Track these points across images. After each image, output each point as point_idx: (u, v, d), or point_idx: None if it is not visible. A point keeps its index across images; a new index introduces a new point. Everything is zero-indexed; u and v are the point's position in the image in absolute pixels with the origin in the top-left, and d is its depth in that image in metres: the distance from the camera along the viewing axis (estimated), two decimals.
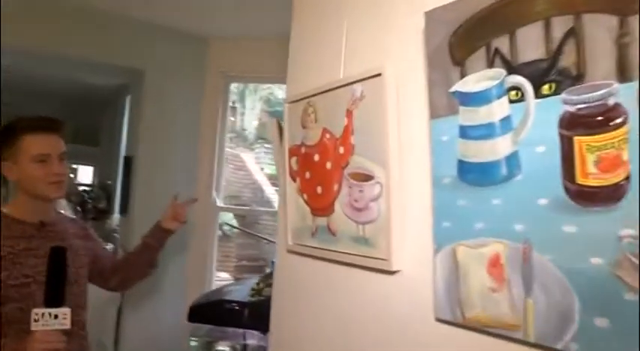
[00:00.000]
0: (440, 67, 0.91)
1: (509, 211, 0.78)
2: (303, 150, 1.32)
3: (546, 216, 0.72)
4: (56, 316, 1.16)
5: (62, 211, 1.94)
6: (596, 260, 0.66)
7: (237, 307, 2.09)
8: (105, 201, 3.73)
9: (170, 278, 2.76)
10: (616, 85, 0.65)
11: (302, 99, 1.33)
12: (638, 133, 0.62)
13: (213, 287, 2.88)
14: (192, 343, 2.55)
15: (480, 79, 0.83)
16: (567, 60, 0.71)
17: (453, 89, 0.88)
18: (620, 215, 0.63)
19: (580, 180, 0.68)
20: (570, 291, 0.68)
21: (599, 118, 0.66)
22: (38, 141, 1.36)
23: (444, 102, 0.90)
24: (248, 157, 5.78)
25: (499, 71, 0.80)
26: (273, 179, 5.95)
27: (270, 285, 2.22)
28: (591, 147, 0.67)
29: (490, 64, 0.82)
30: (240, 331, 2.33)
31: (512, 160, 0.78)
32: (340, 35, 1.25)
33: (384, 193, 1.03)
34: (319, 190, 1.25)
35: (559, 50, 0.72)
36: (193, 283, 2.85)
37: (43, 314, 1.15)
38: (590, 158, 0.67)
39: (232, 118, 3.91)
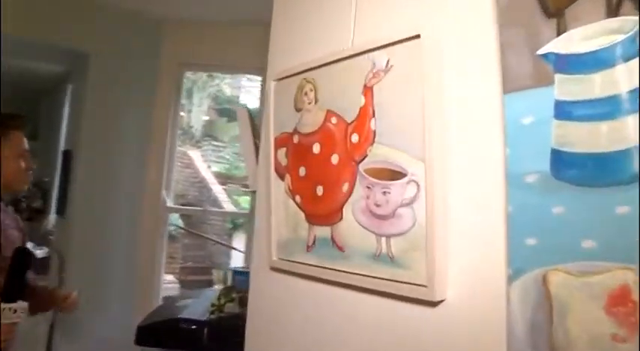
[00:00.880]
0: (521, 20, 0.65)
1: None
2: (295, 139, 1.03)
3: None
4: (15, 311, 1.22)
5: None
6: None
7: (194, 327, 1.78)
8: (40, 200, 3.53)
9: (116, 284, 2.50)
10: None
11: (295, 74, 1.04)
12: None
13: (162, 293, 2.69)
14: None
15: (593, 34, 0.58)
16: None
17: (544, 50, 0.63)
18: None
19: None
20: None
21: None
22: (22, 137, 1.45)
23: (528, 69, 0.64)
24: (195, 155, 5.55)
25: (629, 20, 0.56)
26: (221, 177, 5.70)
27: (232, 300, 1.92)
28: None
29: (613, 11, 0.57)
30: None
31: None
32: None
33: (423, 196, 0.76)
34: (319, 190, 0.97)
35: None
36: (141, 289, 2.60)
37: (3, 309, 1.19)
38: None
39: (182, 113, 3.62)
